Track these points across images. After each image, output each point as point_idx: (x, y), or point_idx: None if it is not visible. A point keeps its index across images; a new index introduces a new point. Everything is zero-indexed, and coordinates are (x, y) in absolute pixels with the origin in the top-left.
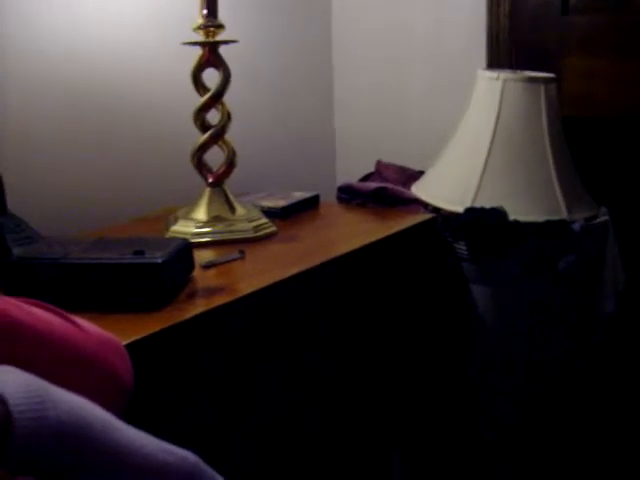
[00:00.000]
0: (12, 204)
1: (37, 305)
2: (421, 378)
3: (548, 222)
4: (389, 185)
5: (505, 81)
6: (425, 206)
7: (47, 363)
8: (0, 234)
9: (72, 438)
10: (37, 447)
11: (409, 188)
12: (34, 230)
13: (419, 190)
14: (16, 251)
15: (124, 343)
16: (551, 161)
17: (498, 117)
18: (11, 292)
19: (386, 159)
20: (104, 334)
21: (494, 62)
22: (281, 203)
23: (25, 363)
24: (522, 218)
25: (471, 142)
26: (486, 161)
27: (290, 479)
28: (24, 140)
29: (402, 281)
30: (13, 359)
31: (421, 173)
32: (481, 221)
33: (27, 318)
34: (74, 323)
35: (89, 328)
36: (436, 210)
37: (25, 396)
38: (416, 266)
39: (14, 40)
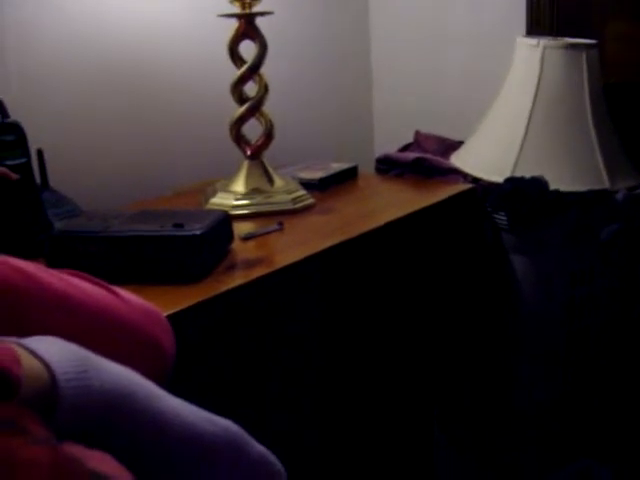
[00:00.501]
0: (52, 180)
1: (80, 277)
2: (461, 345)
3: (590, 192)
4: (428, 155)
5: (545, 48)
6: (464, 176)
7: (90, 333)
8: (42, 209)
9: (116, 406)
10: (82, 414)
11: (448, 158)
12: (75, 204)
13: (458, 160)
14: (58, 225)
15: (165, 314)
16: (593, 129)
17: (538, 85)
18: (53, 265)
19: (425, 129)
20: (146, 305)
21: (534, 29)
22: (319, 175)
23: (69, 333)
24: (563, 188)
25: (511, 111)
26: (526, 130)
27: (331, 442)
28: (64, 116)
29: (441, 252)
30: (57, 330)
31: (460, 143)
32: (521, 191)
33: (70, 289)
34: (117, 294)
35: (131, 299)
36: (475, 180)
37: (70, 365)
38: (455, 236)
39: (47, 16)
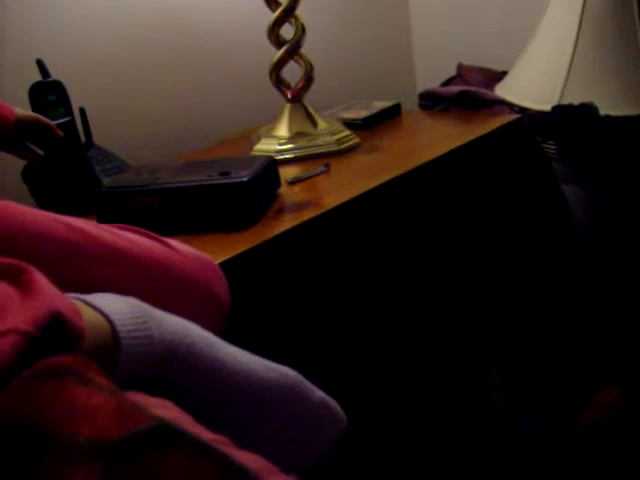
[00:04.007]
0: (98, 137)
1: (132, 230)
2: (515, 280)
3: None
4: (472, 88)
5: None
6: (511, 107)
7: (146, 286)
8: (89, 166)
9: (176, 356)
10: (143, 364)
11: (493, 90)
12: (121, 160)
13: (503, 91)
14: (106, 181)
15: (218, 262)
16: None
17: (584, 6)
18: (105, 221)
19: (467, 62)
20: (199, 254)
21: None
22: (363, 114)
23: (126, 287)
24: (614, 112)
25: (556, 36)
26: (573, 55)
27: (389, 385)
28: (105, 73)
29: (491, 184)
30: (114, 284)
31: (504, 73)
32: (570, 118)
33: (123, 243)
34: (169, 245)
35: (184, 249)
36: (522, 110)
37: (129, 317)
38: (505, 168)
39: None
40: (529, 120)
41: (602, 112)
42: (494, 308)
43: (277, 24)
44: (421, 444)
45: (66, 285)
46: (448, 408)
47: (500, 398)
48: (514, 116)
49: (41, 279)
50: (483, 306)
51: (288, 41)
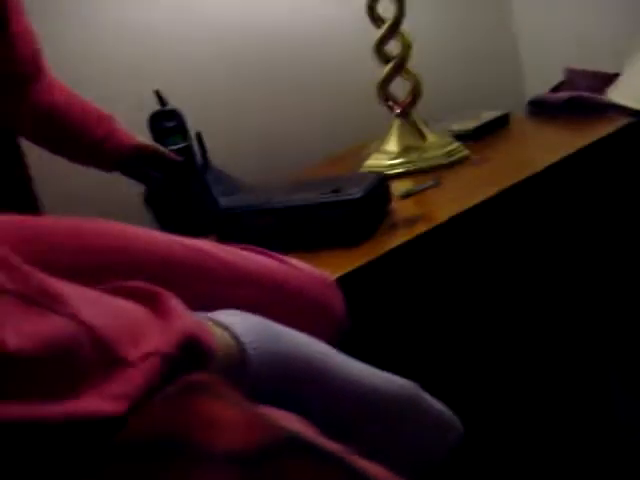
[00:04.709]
0: (214, 159)
1: (250, 250)
2: (631, 288)
3: None
4: (582, 93)
5: None
6: (625, 110)
7: (268, 303)
8: (207, 188)
9: (298, 371)
10: (268, 380)
11: (604, 93)
12: (236, 179)
13: (616, 94)
14: (223, 202)
15: (334, 278)
16: None
17: None
18: (224, 240)
19: (576, 65)
20: (315, 271)
21: None
22: (471, 125)
23: (248, 305)
24: None
25: None
26: None
27: (506, 398)
28: (219, 100)
29: (606, 192)
30: (237, 302)
31: (616, 76)
32: None
33: (244, 262)
34: (287, 263)
35: (301, 266)
36: (637, 113)
37: (255, 334)
38: (620, 177)
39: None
40: None
41: None
42: (611, 316)
43: (383, 41)
44: (538, 460)
45: (192, 305)
46: (568, 423)
47: (622, 410)
48: (629, 120)
49: (174, 302)
50: (600, 314)
51: (394, 57)
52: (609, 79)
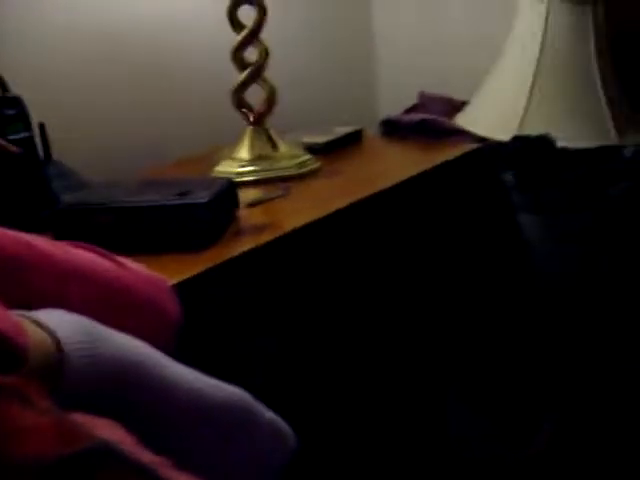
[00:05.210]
0: (56, 152)
1: (85, 248)
2: (475, 310)
3: (598, 148)
4: (432, 116)
5: (550, 2)
6: (471, 136)
7: (96, 304)
8: (46, 183)
9: (123, 375)
10: (89, 384)
11: (454, 119)
12: (79, 176)
13: (464, 120)
14: (63, 198)
15: (174, 282)
16: (600, 84)
17: (543, 41)
18: (60, 238)
19: (429, 90)
20: (151, 274)
21: None
22: (324, 138)
23: (75, 305)
24: (571, 145)
25: (516, 68)
26: (532, 87)
27: (343, 416)
28: (64, 88)
29: (449, 213)
30: (62, 301)
31: (465, 103)
32: (528, 149)
33: (74, 261)
34: (122, 265)
35: (135, 268)
36: (482, 140)
37: (77, 335)
38: (463, 197)
39: None
40: (488, 150)
41: (559, 144)
42: (454, 336)
43: (241, 47)
44: (375, 471)
45: (13, 301)
46: (402, 436)
47: (454, 425)
48: (474, 145)
49: None
50: (440, 327)
51: (252, 64)
52: (459, 106)
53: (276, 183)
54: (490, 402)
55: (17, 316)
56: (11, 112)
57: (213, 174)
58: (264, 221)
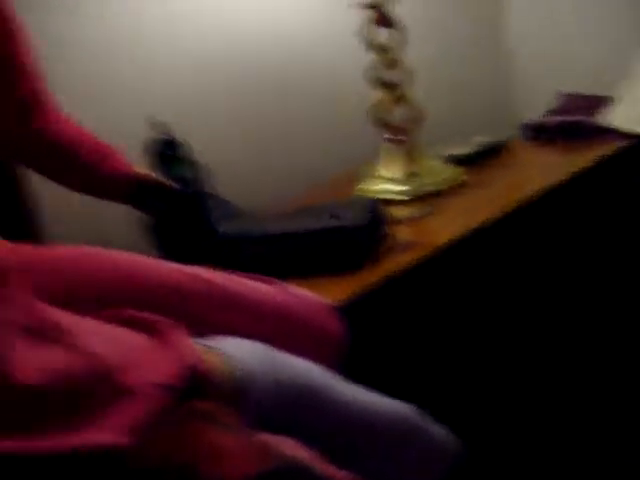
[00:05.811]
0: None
1: (249, 277)
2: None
3: None
4: (575, 117)
5: None
6: (621, 134)
7: (267, 329)
8: (205, 214)
9: (300, 397)
10: (270, 406)
11: (596, 116)
12: (234, 206)
13: (612, 116)
14: (221, 229)
15: (333, 304)
16: None
17: None
18: (222, 268)
19: (569, 89)
20: (315, 297)
21: None
22: (467, 150)
23: (248, 331)
24: None
25: None
26: None
27: (502, 427)
28: (220, 130)
29: (605, 215)
30: (236, 329)
31: (608, 98)
32: None
33: (243, 290)
34: (286, 290)
35: (300, 293)
36: (634, 136)
37: (255, 360)
38: (619, 198)
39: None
40: None
41: None
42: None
43: (382, 68)
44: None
45: (192, 332)
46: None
47: None
48: (625, 142)
49: (173, 330)
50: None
51: (393, 84)
52: (603, 102)
53: (425, 199)
54: None
55: (202, 347)
56: (172, 152)
57: (359, 194)
58: (413, 238)
